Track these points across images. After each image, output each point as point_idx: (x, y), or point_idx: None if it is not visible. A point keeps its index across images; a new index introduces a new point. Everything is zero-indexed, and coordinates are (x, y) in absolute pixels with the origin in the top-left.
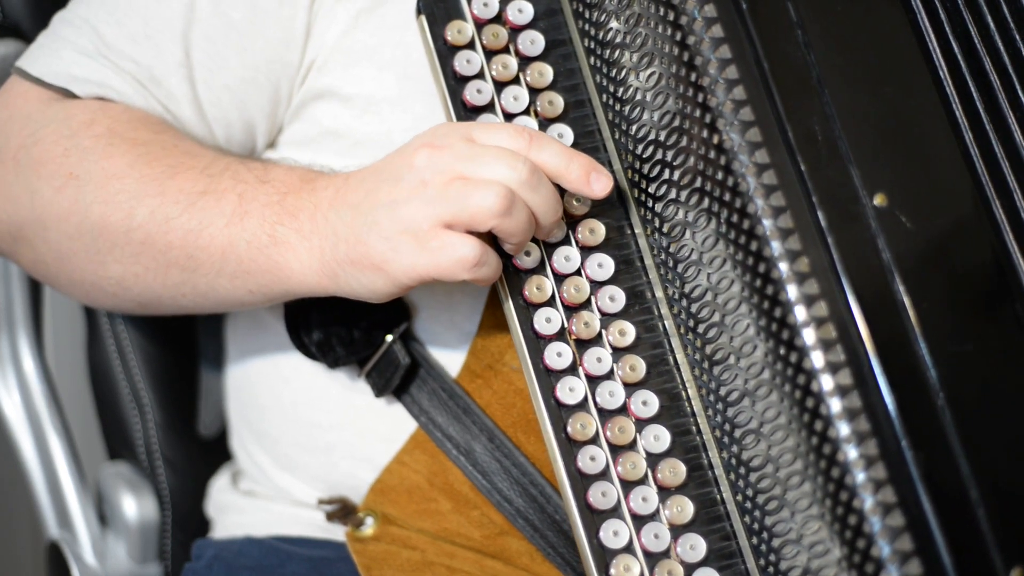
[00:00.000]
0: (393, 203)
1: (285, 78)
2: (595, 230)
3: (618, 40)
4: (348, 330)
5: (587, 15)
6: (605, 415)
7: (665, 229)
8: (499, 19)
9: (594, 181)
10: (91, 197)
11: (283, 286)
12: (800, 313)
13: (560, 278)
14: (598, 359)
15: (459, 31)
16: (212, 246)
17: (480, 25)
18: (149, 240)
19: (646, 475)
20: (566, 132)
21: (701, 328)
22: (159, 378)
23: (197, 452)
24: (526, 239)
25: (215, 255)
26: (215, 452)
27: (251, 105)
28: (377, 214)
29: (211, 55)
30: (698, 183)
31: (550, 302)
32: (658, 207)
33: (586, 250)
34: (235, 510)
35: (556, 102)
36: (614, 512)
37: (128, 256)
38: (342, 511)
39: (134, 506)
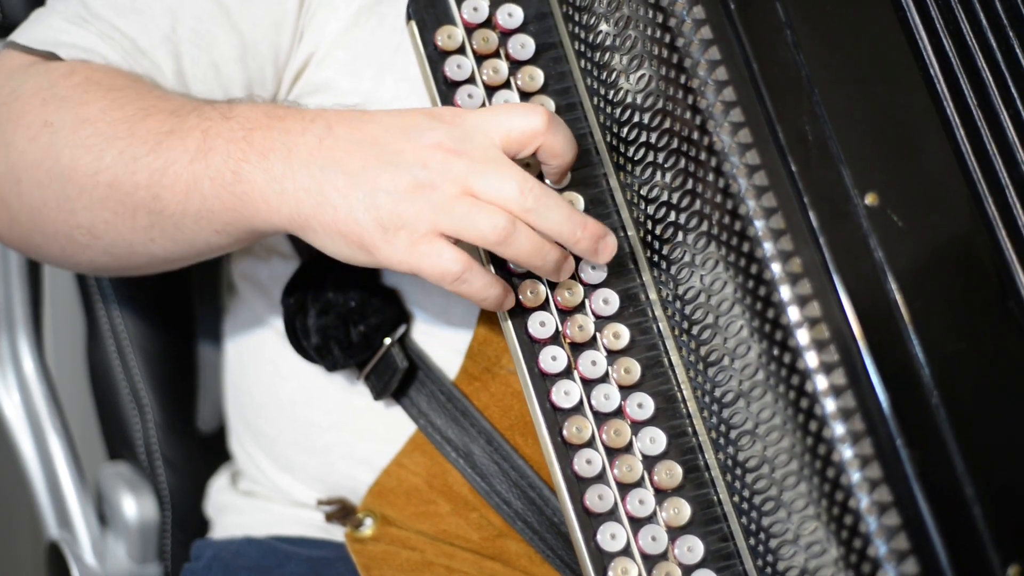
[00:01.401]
0: (397, 193)
1: (270, 61)
2: None
3: (608, 43)
4: (346, 334)
5: (577, 18)
6: (601, 418)
7: (657, 231)
8: (489, 23)
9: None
10: (63, 142)
11: (248, 224)
12: (793, 314)
13: (553, 281)
14: (593, 362)
15: (449, 36)
16: (176, 184)
17: (470, 30)
18: (116, 182)
19: (643, 477)
20: None
21: (695, 330)
22: (159, 378)
23: (197, 452)
24: (544, 263)
25: (179, 193)
26: (215, 452)
27: (235, 84)
28: (378, 198)
29: (199, 32)
30: (689, 185)
31: (544, 306)
32: (650, 209)
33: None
34: (234, 510)
35: (547, 105)
36: (611, 515)
37: (96, 201)
38: (341, 512)
39: (134, 506)
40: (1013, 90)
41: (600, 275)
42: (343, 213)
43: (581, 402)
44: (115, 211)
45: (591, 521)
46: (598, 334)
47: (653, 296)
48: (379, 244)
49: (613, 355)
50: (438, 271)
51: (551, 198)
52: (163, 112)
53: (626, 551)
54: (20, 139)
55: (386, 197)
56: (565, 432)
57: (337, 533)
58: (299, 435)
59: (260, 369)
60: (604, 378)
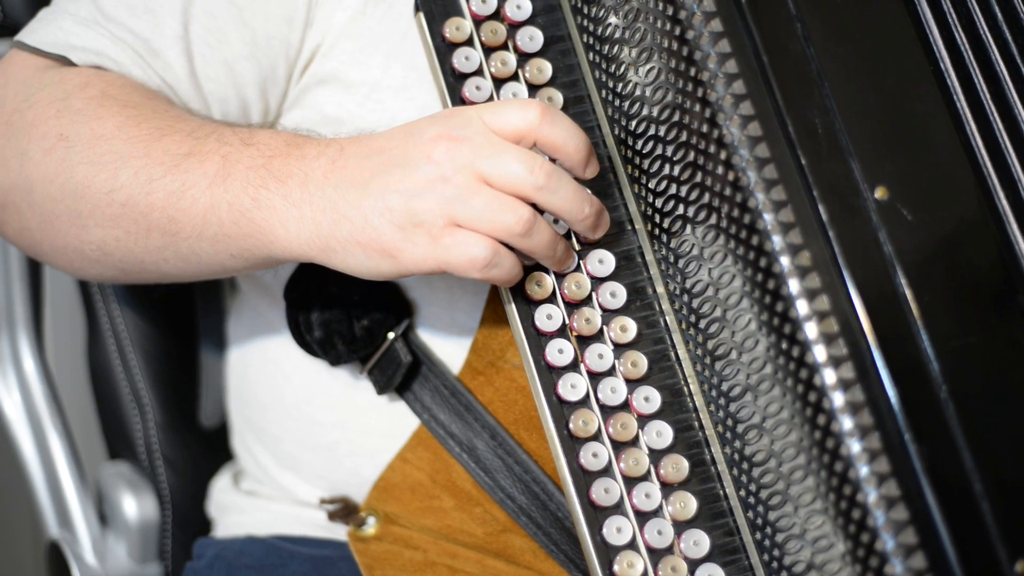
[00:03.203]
0: (408, 192)
1: (283, 57)
2: None
3: (617, 35)
4: (350, 328)
5: (586, 11)
6: (607, 411)
7: (666, 224)
8: (497, 16)
9: (589, 166)
10: (78, 158)
11: (265, 251)
12: (802, 307)
13: (560, 275)
14: (599, 355)
15: (457, 28)
16: (193, 208)
17: (478, 22)
18: (130, 202)
19: (649, 471)
20: None
21: (702, 323)
22: (159, 377)
23: (198, 451)
24: (556, 254)
25: (196, 217)
26: (216, 451)
27: (247, 82)
28: (390, 200)
29: (211, 30)
30: (698, 178)
31: (551, 299)
32: (658, 202)
33: (586, 246)
34: (236, 510)
35: (555, 98)
36: (617, 509)
37: (109, 219)
38: (344, 511)
39: (134, 506)
40: None
41: (607, 268)
42: (359, 223)
43: (587, 395)
44: (128, 230)
45: (597, 514)
46: (605, 327)
47: (660, 290)
48: (400, 245)
49: (620, 348)
50: (466, 259)
51: (560, 174)
52: (180, 133)
53: (632, 545)
54: (35, 150)
55: (398, 197)
56: (571, 425)
57: (340, 532)
58: (303, 433)
59: (263, 369)
60: (611, 371)
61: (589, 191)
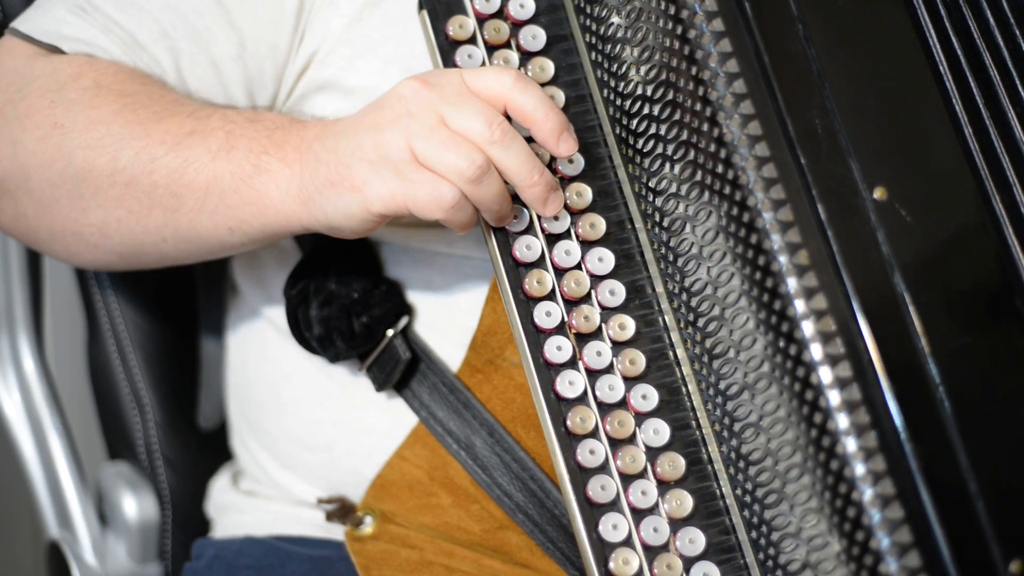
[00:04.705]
0: (376, 128)
1: (269, 60)
2: (596, 224)
3: (619, 35)
4: (349, 325)
5: (588, 10)
6: (605, 409)
7: (665, 223)
8: (501, 14)
9: (562, 140)
10: (75, 143)
11: (261, 218)
12: (799, 306)
13: (560, 272)
14: (598, 353)
15: (461, 26)
16: (196, 182)
17: (482, 20)
18: (134, 181)
19: (645, 469)
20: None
21: (701, 322)
22: (159, 377)
23: (197, 451)
24: (500, 209)
25: (199, 190)
26: (215, 451)
27: (234, 83)
28: (361, 138)
29: (198, 29)
30: (698, 177)
31: (550, 296)
32: (659, 201)
33: (586, 244)
34: (235, 510)
35: (557, 96)
36: (613, 506)
37: (111, 200)
38: (341, 510)
39: (134, 506)
40: (1020, 89)
41: (607, 266)
42: (333, 164)
43: (585, 392)
44: (130, 209)
45: (593, 511)
46: (604, 325)
47: (660, 289)
48: (367, 179)
49: (618, 346)
50: (433, 198)
51: (517, 136)
52: (180, 115)
53: (627, 542)
54: (29, 139)
55: (368, 134)
56: (569, 422)
57: (338, 532)
58: (301, 432)
59: (262, 368)
60: (609, 369)
61: (542, 163)
